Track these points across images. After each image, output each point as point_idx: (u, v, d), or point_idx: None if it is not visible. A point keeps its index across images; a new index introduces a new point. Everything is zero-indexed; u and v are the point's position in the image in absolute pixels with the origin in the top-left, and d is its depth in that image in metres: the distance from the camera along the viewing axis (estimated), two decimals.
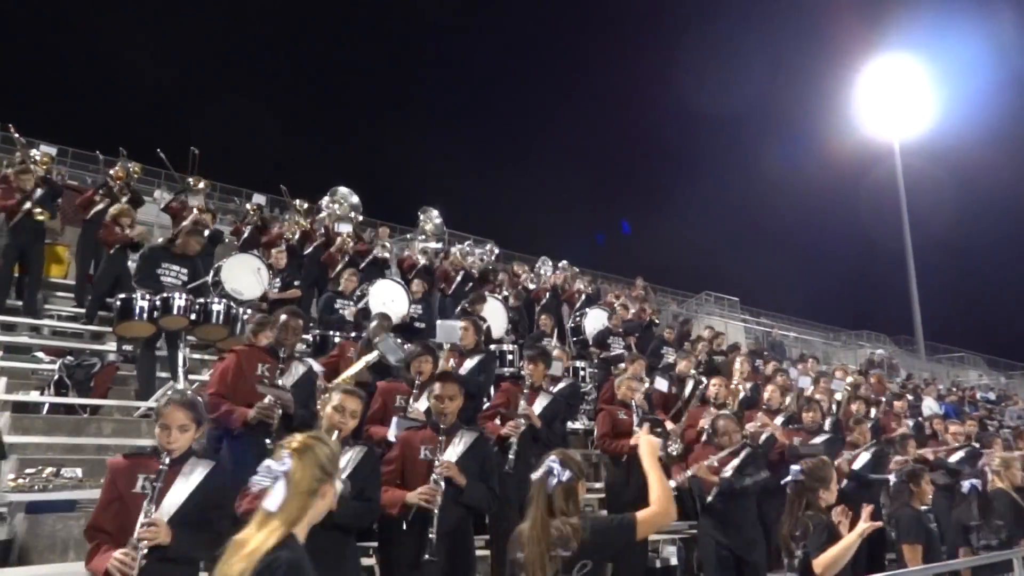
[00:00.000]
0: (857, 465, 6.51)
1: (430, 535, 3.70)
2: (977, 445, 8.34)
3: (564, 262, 15.36)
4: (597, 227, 55.82)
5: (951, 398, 15.02)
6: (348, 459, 3.60)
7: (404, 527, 3.79)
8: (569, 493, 2.67)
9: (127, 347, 7.67)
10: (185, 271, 7.02)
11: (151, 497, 3.03)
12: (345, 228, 11.11)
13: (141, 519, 2.97)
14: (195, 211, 9.21)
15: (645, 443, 2.92)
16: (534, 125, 68.40)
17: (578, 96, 71.40)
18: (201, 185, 10.32)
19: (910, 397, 11.90)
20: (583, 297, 12.50)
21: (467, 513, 4.01)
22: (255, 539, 2.05)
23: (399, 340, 6.41)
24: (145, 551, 2.91)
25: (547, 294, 12.18)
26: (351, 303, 8.45)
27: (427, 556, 3.68)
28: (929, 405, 12.60)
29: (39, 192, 8.17)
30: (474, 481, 3.93)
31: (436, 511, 3.72)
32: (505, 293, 11.29)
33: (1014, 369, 29.67)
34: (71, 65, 45.28)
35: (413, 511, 3.77)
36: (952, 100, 33.16)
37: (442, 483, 3.78)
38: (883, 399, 10.54)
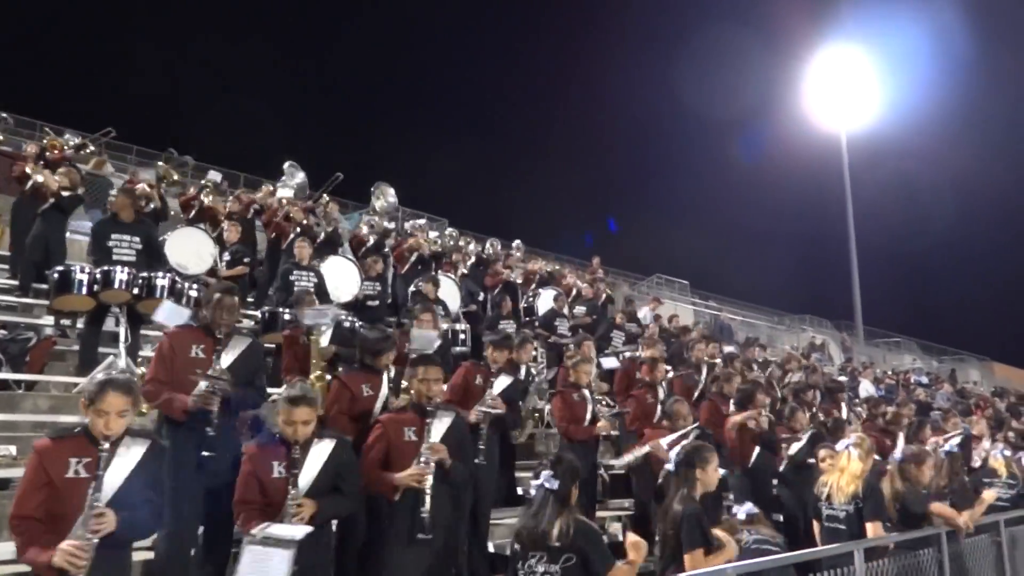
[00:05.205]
0: (793, 451, 6.68)
1: (423, 514, 3.83)
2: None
3: (517, 242, 15.44)
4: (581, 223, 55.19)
5: (888, 381, 15.64)
6: (321, 452, 3.60)
7: (391, 507, 3.92)
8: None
9: (65, 322, 7.39)
10: (138, 240, 6.62)
11: (97, 486, 2.88)
12: (285, 193, 10.90)
13: (87, 509, 2.81)
14: (144, 186, 9.07)
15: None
16: (525, 124, 67.16)
17: (554, 93, 70.72)
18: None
19: (844, 379, 12.32)
20: (536, 278, 12.54)
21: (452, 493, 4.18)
22: None
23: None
24: (96, 542, 2.78)
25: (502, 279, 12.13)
26: (310, 274, 7.99)
27: (421, 535, 3.81)
28: (866, 388, 13.10)
29: None
30: (456, 460, 4.08)
31: (428, 491, 3.84)
32: (463, 271, 11.28)
33: (945, 354, 30.98)
34: (71, 57, 43.20)
35: (401, 491, 3.88)
36: (896, 90, 34.12)
37: (432, 464, 3.89)
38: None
